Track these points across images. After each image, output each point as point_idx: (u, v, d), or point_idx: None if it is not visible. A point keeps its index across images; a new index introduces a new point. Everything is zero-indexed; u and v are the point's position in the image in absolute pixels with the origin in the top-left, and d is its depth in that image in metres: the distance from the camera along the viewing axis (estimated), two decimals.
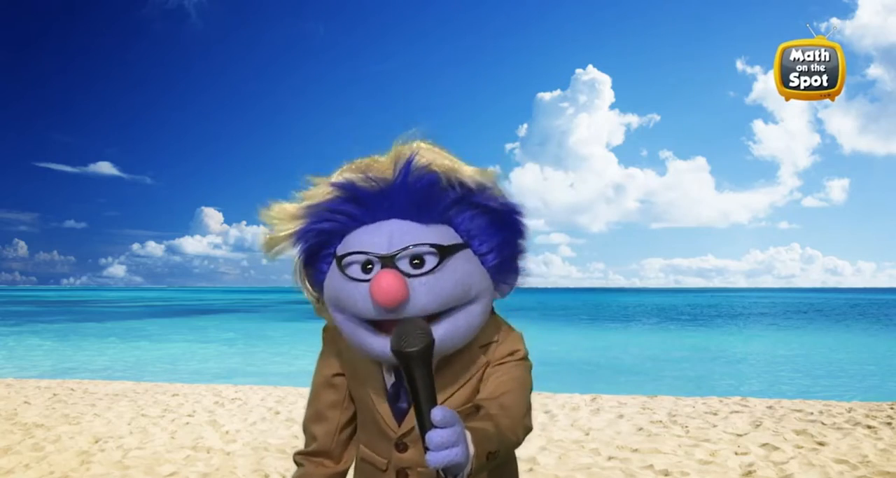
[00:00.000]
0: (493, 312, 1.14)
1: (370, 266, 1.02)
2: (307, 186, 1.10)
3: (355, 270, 1.03)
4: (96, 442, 4.76)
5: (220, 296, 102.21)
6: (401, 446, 1.12)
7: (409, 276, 0.99)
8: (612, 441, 4.73)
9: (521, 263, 1.12)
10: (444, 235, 1.03)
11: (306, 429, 1.24)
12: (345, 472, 1.23)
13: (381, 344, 1.01)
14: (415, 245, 1.00)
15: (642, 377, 11.10)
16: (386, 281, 0.95)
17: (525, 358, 1.12)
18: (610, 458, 4.27)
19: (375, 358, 1.06)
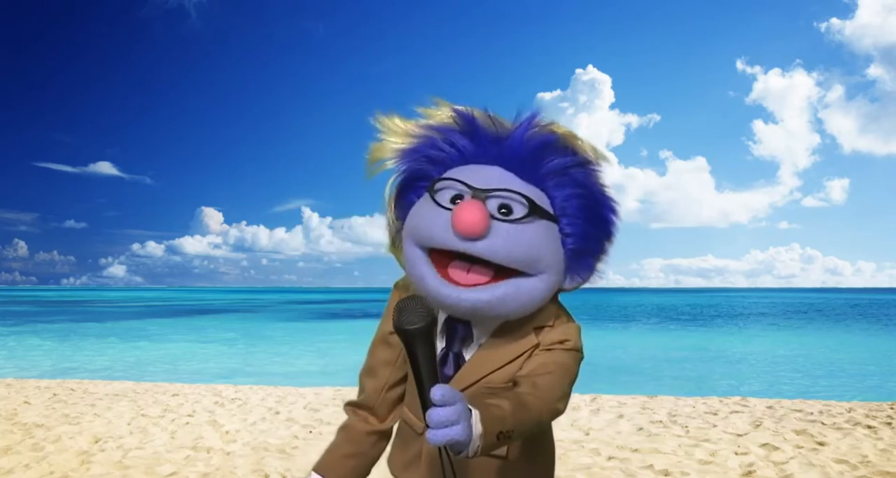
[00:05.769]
0: (556, 299, 1.12)
1: (459, 200, 1.02)
2: (431, 105, 1.10)
3: (444, 198, 1.03)
4: (96, 442, 4.76)
5: (220, 296, 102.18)
6: None
7: (494, 218, 0.99)
8: (612, 441, 4.73)
9: (598, 263, 1.11)
10: (539, 196, 1.04)
11: (360, 380, 1.25)
12: (387, 431, 1.24)
13: (440, 284, 1.00)
14: (510, 190, 1.00)
15: (642, 377, 11.09)
16: (469, 209, 0.95)
17: (575, 349, 1.10)
18: (610, 458, 4.27)
19: (431, 296, 1.02)
